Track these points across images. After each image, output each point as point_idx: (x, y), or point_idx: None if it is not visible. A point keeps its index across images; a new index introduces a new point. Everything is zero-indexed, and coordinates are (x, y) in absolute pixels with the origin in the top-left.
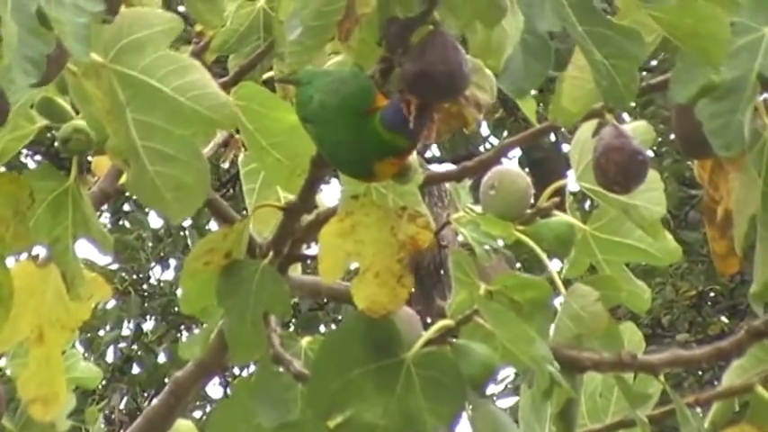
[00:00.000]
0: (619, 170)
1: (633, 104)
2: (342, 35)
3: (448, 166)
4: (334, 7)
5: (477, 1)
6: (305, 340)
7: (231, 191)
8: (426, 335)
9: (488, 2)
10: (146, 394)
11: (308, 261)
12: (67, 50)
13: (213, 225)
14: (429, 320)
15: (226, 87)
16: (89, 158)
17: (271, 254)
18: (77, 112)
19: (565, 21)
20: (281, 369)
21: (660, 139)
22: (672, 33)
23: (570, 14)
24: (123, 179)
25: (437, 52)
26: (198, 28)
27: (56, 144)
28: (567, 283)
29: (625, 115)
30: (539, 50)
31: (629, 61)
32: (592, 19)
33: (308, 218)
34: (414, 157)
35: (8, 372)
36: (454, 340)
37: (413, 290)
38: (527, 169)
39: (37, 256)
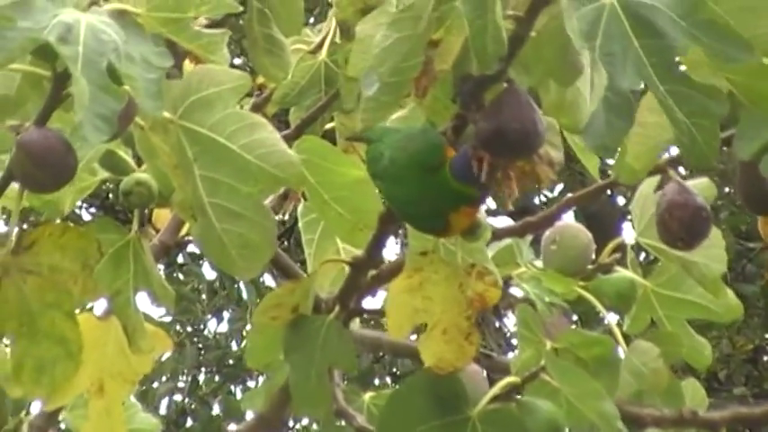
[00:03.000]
0: (682, 226)
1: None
2: (419, 92)
3: (504, 219)
4: (412, 63)
5: (551, 60)
6: (368, 395)
7: (286, 243)
8: (492, 391)
9: (563, 61)
10: None
11: (367, 314)
12: (138, 106)
13: (268, 278)
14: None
15: (288, 140)
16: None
17: (336, 308)
18: (139, 165)
19: (647, 79)
20: (343, 423)
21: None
22: (746, 95)
23: (651, 73)
24: (183, 231)
25: (512, 111)
26: (259, 80)
27: (111, 195)
28: (626, 337)
29: (681, 168)
30: (621, 108)
31: (710, 120)
32: (673, 77)
33: (370, 272)
34: (483, 215)
35: (65, 424)
36: (520, 397)
37: None
38: (583, 222)
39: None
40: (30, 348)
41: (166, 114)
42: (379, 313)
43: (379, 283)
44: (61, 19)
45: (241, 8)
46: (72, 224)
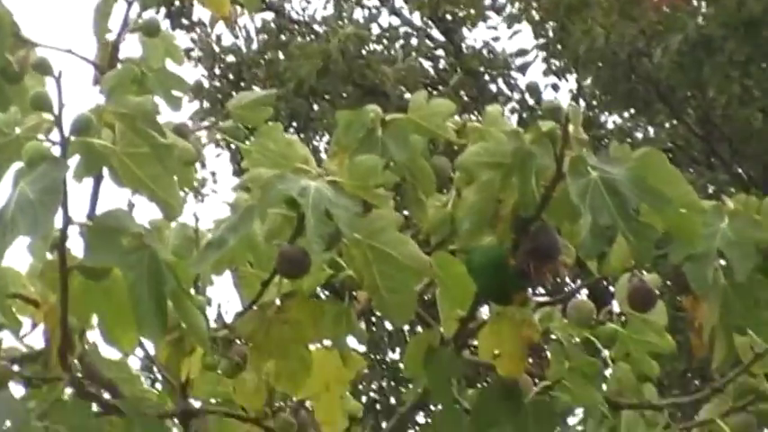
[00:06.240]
0: (641, 301)
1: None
2: (492, 226)
3: (546, 298)
4: (487, 210)
5: (564, 208)
6: (470, 391)
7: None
8: (536, 389)
9: (571, 209)
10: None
11: (473, 347)
12: (342, 230)
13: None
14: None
15: (429, 254)
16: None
17: (452, 344)
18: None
19: (614, 220)
20: (458, 407)
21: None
22: (671, 228)
23: (617, 216)
24: (372, 303)
25: (544, 237)
26: (414, 221)
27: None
28: (613, 360)
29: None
30: (599, 235)
31: (648, 242)
32: (628, 219)
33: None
34: (529, 293)
35: (310, 407)
36: (551, 393)
37: None
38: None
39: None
40: (284, 364)
41: (357, 236)
42: (477, 346)
43: (477, 329)
44: (300, 184)
45: (400, 179)
46: (311, 298)
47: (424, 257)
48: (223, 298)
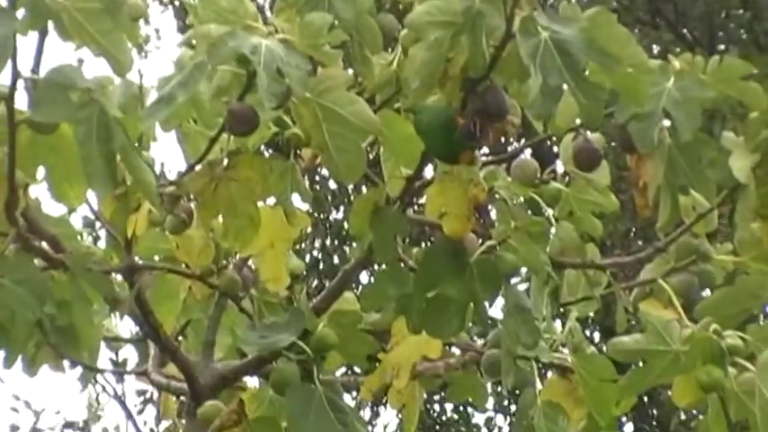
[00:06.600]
0: (586, 160)
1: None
2: (441, 86)
3: (490, 157)
4: (437, 69)
5: (513, 68)
6: (415, 249)
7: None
8: (481, 249)
9: (520, 69)
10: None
11: (418, 206)
12: (292, 90)
13: (364, 189)
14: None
15: (375, 113)
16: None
17: (398, 203)
18: (294, 124)
19: (564, 80)
20: (402, 265)
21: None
22: (618, 87)
23: (567, 77)
24: (318, 161)
25: (492, 96)
26: (359, 79)
27: (280, 141)
28: (557, 220)
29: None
30: (551, 94)
31: (598, 102)
32: (578, 78)
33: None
34: (476, 152)
35: (253, 264)
36: (496, 251)
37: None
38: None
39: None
40: (231, 221)
41: (308, 95)
42: (423, 205)
43: (423, 188)
44: (251, 41)
45: (348, 37)
46: (257, 155)
47: (373, 117)
48: (163, 156)
